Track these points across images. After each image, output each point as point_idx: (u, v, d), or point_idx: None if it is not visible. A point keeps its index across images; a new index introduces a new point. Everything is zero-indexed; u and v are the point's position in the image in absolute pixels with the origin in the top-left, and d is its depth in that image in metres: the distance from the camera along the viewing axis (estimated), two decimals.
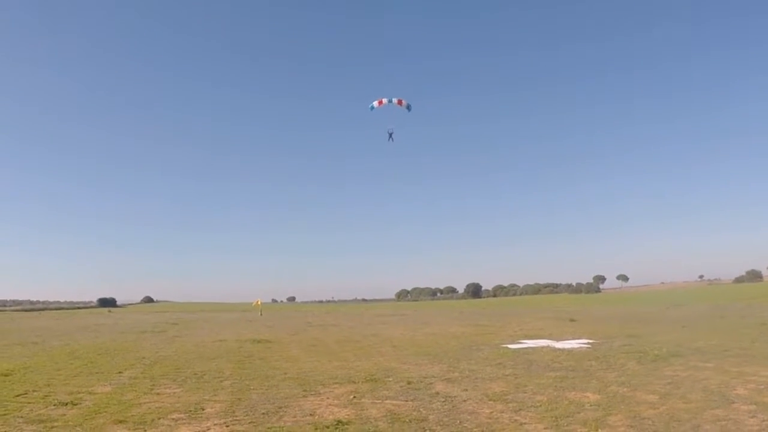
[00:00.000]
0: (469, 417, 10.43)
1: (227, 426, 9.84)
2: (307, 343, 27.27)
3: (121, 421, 10.10)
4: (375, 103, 37.34)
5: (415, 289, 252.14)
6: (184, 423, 10.07)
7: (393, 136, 38.54)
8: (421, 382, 14.52)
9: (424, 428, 9.63)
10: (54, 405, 11.50)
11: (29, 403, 11.73)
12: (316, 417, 10.58)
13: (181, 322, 53.00)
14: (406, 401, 12.02)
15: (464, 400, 11.95)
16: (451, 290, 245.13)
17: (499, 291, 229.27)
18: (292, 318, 62.61)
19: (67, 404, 11.56)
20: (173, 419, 10.37)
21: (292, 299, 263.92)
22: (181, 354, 22.13)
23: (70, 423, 9.95)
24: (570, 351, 20.36)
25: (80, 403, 11.73)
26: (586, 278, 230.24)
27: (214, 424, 9.95)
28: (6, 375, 15.34)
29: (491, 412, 10.78)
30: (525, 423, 9.88)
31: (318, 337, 32.00)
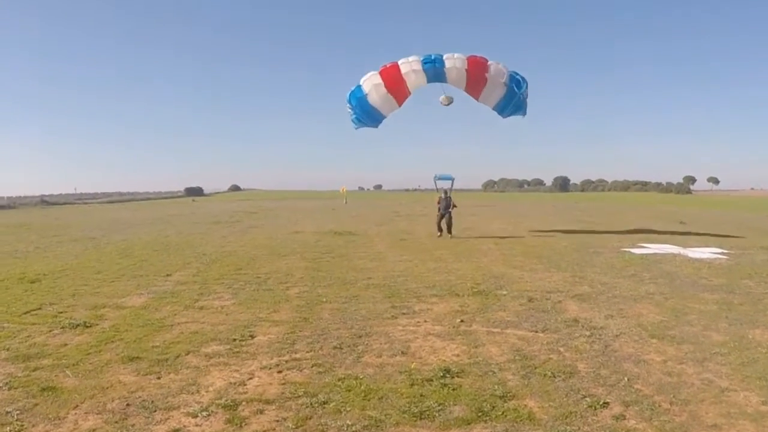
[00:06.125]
0: (636, 369, 6.97)
1: (279, 371, 6.88)
2: (395, 237, 24.42)
3: (132, 359, 7.38)
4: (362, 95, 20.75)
5: (501, 179, 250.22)
6: (219, 363, 7.21)
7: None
8: (546, 299, 11.14)
9: (577, 390, 6.25)
10: (61, 328, 9.04)
11: (33, 324, 9.36)
12: (411, 357, 7.43)
13: (260, 211, 52.17)
14: (536, 332, 8.67)
15: (616, 336, 8.48)
16: (539, 182, 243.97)
17: (587, 186, 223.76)
18: (378, 206, 60.67)
19: (78, 326, 9.07)
20: (206, 355, 7.55)
21: (378, 187, 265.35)
22: (249, 249, 19.88)
23: (63, 360, 7.35)
24: (710, 263, 16.34)
25: (96, 325, 9.24)
26: (674, 178, 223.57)
27: (261, 368, 7.02)
28: (33, 282, 13.33)
29: (665, 362, 7.28)
30: (728, 389, 6.34)
31: (407, 229, 29.11)
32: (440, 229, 23.76)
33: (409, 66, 19.84)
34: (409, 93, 20.87)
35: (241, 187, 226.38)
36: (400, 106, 21.31)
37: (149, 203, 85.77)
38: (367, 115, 21.30)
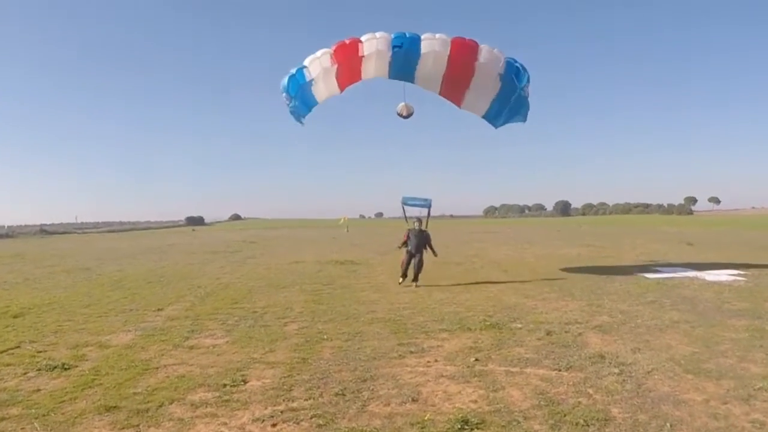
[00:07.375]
0: (677, 412, 6.21)
1: (273, 425, 6.07)
2: (399, 266, 23.56)
3: (109, 409, 6.58)
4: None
5: (503, 205, 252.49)
6: (207, 415, 6.40)
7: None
8: (565, 331, 10.35)
9: None
10: (37, 370, 8.27)
11: (8, 365, 8.59)
12: (423, 405, 6.60)
13: (260, 240, 51.43)
14: (559, 371, 7.87)
15: (648, 372, 7.70)
16: (540, 207, 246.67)
17: (588, 209, 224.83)
18: (380, 234, 59.88)
19: (55, 368, 8.30)
20: (192, 404, 6.74)
21: (379, 215, 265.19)
22: (246, 281, 19.09)
23: (33, 411, 6.55)
24: (729, 286, 15.74)
25: (76, 366, 8.45)
26: (675, 199, 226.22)
27: (253, 420, 6.21)
28: (16, 316, 12.57)
29: (707, 401, 6.53)
30: None
31: None
32: (404, 274, 17.25)
33: (374, 45, 14.99)
34: (360, 79, 15.98)
35: (242, 216, 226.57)
36: (341, 92, 16.37)
37: (149, 233, 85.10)
38: (305, 105, 16.42)
